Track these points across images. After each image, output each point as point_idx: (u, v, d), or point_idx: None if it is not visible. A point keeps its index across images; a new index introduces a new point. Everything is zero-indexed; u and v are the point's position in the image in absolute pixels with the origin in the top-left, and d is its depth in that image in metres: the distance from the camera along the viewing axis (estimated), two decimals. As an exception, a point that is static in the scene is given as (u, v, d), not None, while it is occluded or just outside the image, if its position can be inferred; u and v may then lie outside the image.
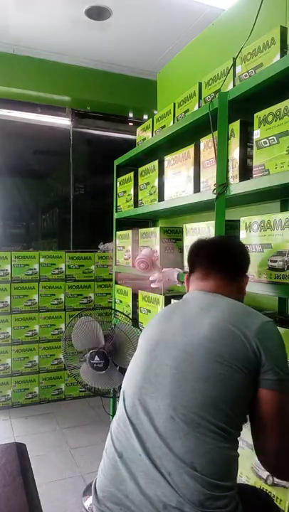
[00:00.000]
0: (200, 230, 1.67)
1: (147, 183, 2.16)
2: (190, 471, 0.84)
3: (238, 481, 1.08)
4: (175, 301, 1.84)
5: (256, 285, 1.32)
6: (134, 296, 2.27)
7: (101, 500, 0.93)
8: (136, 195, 2.32)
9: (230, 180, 1.46)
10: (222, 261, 1.14)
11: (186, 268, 1.76)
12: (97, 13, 2.45)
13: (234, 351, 0.90)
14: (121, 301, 2.47)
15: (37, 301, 3.21)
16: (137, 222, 2.49)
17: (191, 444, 0.86)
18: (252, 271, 1.37)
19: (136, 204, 2.33)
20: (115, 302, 2.55)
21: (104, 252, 3.44)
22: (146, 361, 1.01)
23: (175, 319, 1.06)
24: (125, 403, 0.99)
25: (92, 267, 3.37)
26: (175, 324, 1.04)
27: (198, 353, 0.92)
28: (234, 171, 1.45)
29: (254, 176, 1.35)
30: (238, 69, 1.54)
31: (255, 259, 1.35)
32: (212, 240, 1.24)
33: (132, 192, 2.36)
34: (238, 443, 0.92)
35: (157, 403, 0.92)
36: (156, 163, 2.07)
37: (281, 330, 1.22)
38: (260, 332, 0.91)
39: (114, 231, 2.57)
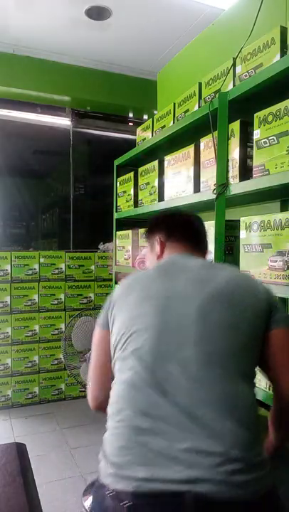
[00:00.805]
0: (200, 230, 1.66)
1: (147, 183, 2.16)
2: (231, 416, 0.83)
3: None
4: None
5: (256, 285, 1.32)
6: (134, 296, 2.27)
7: (125, 466, 0.82)
8: (136, 195, 2.32)
9: (230, 180, 1.46)
10: (199, 237, 1.21)
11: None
12: (97, 13, 2.45)
13: (254, 299, 0.96)
14: (121, 301, 2.46)
15: (37, 301, 3.21)
16: (137, 222, 2.48)
17: (227, 389, 0.86)
18: (252, 271, 1.37)
19: (136, 204, 2.33)
20: (115, 302, 2.54)
21: (104, 252, 3.44)
22: (161, 316, 0.94)
23: (181, 276, 1.02)
24: (137, 362, 0.90)
25: (92, 267, 3.37)
26: (186, 279, 1.00)
27: (223, 303, 0.94)
28: (234, 171, 1.45)
29: (254, 176, 1.36)
30: (238, 69, 1.54)
31: (255, 259, 1.35)
32: (188, 215, 1.27)
33: (132, 192, 2.36)
34: None
35: (188, 352, 0.88)
36: (156, 163, 2.07)
37: (281, 330, 1.22)
38: (265, 288, 1.01)
39: (114, 231, 2.57)
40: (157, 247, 1.21)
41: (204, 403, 0.84)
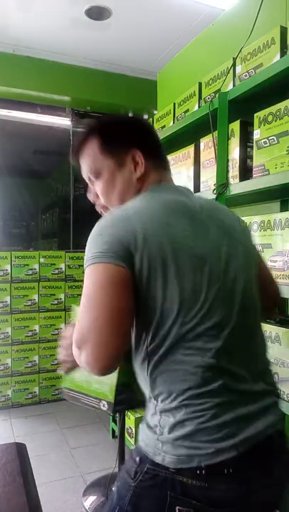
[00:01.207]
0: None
1: (147, 183, 2.16)
2: (265, 357, 0.90)
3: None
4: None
5: (256, 285, 1.32)
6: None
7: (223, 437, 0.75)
8: (136, 195, 2.32)
9: (230, 180, 1.46)
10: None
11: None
12: (97, 13, 2.45)
13: (247, 234, 1.01)
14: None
15: (37, 301, 3.21)
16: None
17: (261, 333, 0.92)
18: (252, 271, 1.37)
19: (136, 204, 2.32)
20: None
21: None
22: (213, 283, 0.80)
23: (210, 224, 0.87)
24: (215, 339, 0.79)
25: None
26: (217, 228, 0.87)
27: (245, 252, 0.91)
28: (234, 171, 1.45)
29: (254, 176, 1.36)
30: (238, 69, 1.54)
31: (255, 259, 1.35)
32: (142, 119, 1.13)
33: (132, 192, 2.36)
34: None
35: (247, 321, 0.86)
36: (156, 163, 2.07)
37: (281, 330, 1.23)
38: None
39: (114, 231, 2.56)
40: (137, 170, 0.92)
41: (258, 356, 0.88)
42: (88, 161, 0.95)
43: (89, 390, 1.05)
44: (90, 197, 1.01)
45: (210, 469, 0.73)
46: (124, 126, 0.97)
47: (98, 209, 1.01)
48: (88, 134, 0.95)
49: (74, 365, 0.90)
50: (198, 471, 0.74)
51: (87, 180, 1.00)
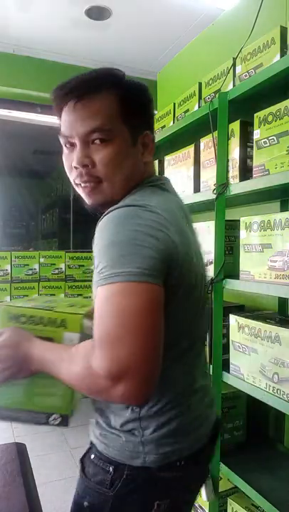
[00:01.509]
0: (200, 230, 1.66)
1: (147, 183, 2.16)
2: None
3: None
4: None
5: (256, 285, 1.32)
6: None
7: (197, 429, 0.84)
8: (136, 195, 2.32)
9: (230, 180, 1.46)
10: None
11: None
12: (97, 13, 2.45)
13: None
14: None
15: (38, 270, 3.20)
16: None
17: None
18: (252, 271, 1.37)
19: (136, 204, 2.32)
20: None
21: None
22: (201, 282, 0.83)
23: (190, 227, 0.86)
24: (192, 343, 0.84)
25: (93, 267, 3.37)
26: (192, 232, 0.87)
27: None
28: (234, 171, 1.45)
29: (254, 176, 1.36)
30: (238, 69, 1.54)
31: (255, 259, 1.35)
32: None
33: (132, 192, 2.36)
34: None
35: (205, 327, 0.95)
36: (156, 163, 2.07)
37: (281, 330, 1.23)
38: None
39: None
40: (145, 155, 0.83)
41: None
42: (101, 116, 0.76)
43: (32, 404, 0.86)
44: (82, 160, 0.77)
45: (187, 459, 0.80)
46: (146, 101, 0.83)
47: (82, 180, 0.79)
48: (104, 86, 0.77)
49: (10, 379, 0.79)
50: (178, 463, 0.79)
51: (77, 137, 0.77)
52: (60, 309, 0.87)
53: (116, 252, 0.67)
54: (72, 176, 0.81)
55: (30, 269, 3.18)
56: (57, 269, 3.27)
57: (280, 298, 1.71)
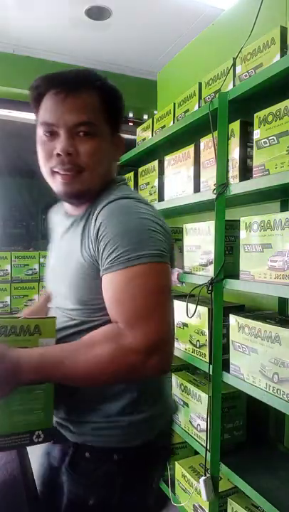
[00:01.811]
0: (200, 230, 1.67)
1: (147, 183, 2.16)
2: None
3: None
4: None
5: (256, 285, 1.32)
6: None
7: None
8: (136, 195, 2.32)
9: (230, 180, 1.46)
10: None
11: (186, 268, 1.76)
12: (97, 13, 2.45)
13: None
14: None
15: (37, 301, 3.20)
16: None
17: None
18: (252, 271, 1.37)
19: (136, 204, 2.32)
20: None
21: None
22: None
23: None
24: None
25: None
26: None
27: None
28: (234, 171, 1.45)
29: (254, 176, 1.36)
30: (238, 69, 1.54)
31: (255, 259, 1.35)
32: None
33: (132, 192, 2.36)
34: None
35: None
36: (156, 163, 2.07)
37: (281, 330, 1.23)
38: None
39: (114, 231, 2.56)
40: (117, 155, 0.93)
41: None
42: (88, 111, 0.81)
43: (12, 426, 0.79)
44: (67, 149, 0.81)
45: (170, 428, 0.98)
46: (120, 103, 0.90)
47: (64, 167, 0.82)
48: (93, 84, 0.83)
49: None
50: (168, 433, 0.96)
51: (64, 127, 0.81)
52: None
53: (134, 238, 0.74)
54: (51, 164, 0.84)
55: (30, 269, 3.18)
56: (57, 269, 3.27)
57: (280, 298, 1.71)
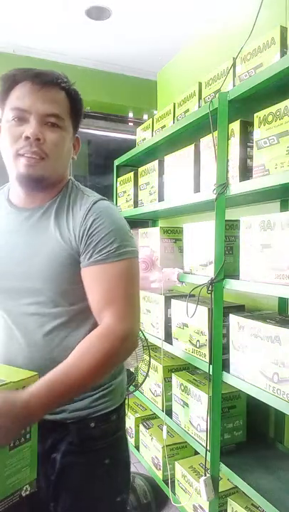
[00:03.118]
0: (200, 230, 1.67)
1: (147, 183, 2.16)
2: None
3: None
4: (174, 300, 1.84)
5: (256, 285, 1.32)
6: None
7: None
8: (136, 195, 2.32)
9: (230, 180, 1.46)
10: None
11: (187, 267, 1.76)
12: (97, 13, 2.45)
13: None
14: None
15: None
16: (137, 222, 2.48)
17: None
18: (252, 271, 1.37)
19: (136, 204, 2.33)
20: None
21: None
22: None
23: None
24: None
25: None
26: None
27: None
28: (234, 171, 1.45)
29: (254, 176, 1.36)
30: (238, 69, 1.54)
31: (255, 259, 1.35)
32: None
33: (131, 192, 2.36)
34: None
35: None
36: (156, 163, 2.07)
37: (281, 330, 1.23)
38: None
39: (114, 231, 2.56)
40: (72, 154, 1.00)
41: None
42: (58, 106, 0.90)
43: (6, 491, 0.77)
44: (37, 134, 0.86)
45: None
46: (81, 106, 0.99)
47: (31, 150, 0.86)
48: (64, 83, 0.91)
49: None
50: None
51: (35, 114, 0.87)
52: (10, 379, 0.79)
53: (123, 235, 0.89)
54: (17, 146, 0.87)
55: None
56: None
57: (280, 298, 1.71)
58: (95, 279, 0.88)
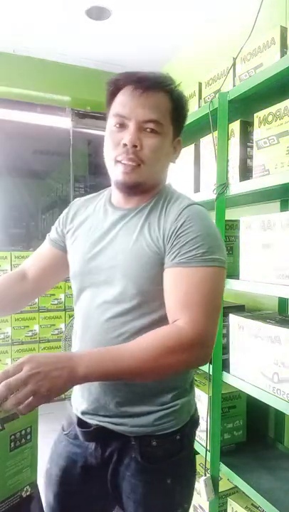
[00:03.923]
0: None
1: (147, 183, 2.16)
2: None
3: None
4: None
5: (256, 285, 1.32)
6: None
7: None
8: (136, 195, 2.32)
9: (230, 180, 1.46)
10: None
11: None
12: (97, 13, 2.45)
13: None
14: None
15: (37, 301, 3.20)
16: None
17: None
18: (252, 271, 1.37)
19: (136, 204, 2.32)
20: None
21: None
22: None
23: None
24: None
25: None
26: None
27: None
28: (234, 171, 1.45)
29: (254, 176, 1.36)
30: (238, 69, 1.54)
31: (255, 259, 1.35)
32: None
33: (132, 192, 2.36)
34: None
35: None
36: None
37: (281, 330, 1.23)
38: None
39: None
40: (173, 157, 1.01)
41: None
42: (159, 111, 0.88)
43: (6, 492, 0.77)
44: (134, 141, 0.87)
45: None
46: (186, 109, 0.97)
47: (128, 157, 0.88)
48: (167, 86, 0.90)
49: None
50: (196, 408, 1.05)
51: (134, 121, 0.87)
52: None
53: (213, 242, 0.85)
54: (116, 152, 0.89)
55: (30, 269, 3.18)
56: (57, 269, 3.27)
57: (280, 298, 1.71)
58: (174, 282, 0.85)
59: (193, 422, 1.00)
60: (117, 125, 0.89)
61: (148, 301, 0.87)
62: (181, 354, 0.78)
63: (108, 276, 0.91)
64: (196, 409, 1.02)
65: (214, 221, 1.47)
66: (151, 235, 0.89)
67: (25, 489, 0.81)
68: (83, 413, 0.96)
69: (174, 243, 0.85)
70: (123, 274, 0.88)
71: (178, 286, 0.84)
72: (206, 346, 0.81)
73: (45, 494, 1.02)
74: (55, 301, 3.28)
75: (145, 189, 0.93)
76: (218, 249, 0.85)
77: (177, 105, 0.92)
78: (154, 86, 0.87)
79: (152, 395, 0.91)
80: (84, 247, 0.97)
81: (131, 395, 0.90)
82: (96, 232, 0.97)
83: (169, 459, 0.92)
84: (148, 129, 0.87)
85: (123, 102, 0.88)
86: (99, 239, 0.95)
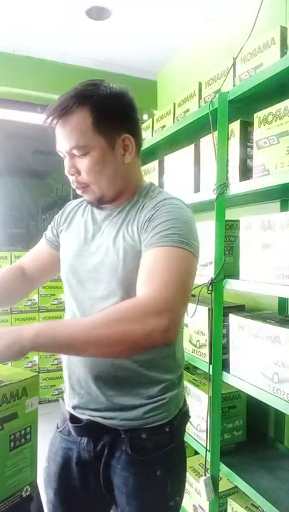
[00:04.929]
0: (200, 230, 1.66)
1: (147, 183, 2.16)
2: None
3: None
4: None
5: (256, 285, 1.32)
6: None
7: None
8: (136, 195, 2.32)
9: (230, 180, 1.46)
10: None
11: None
12: (97, 13, 2.45)
13: None
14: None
15: (37, 301, 3.20)
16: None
17: None
18: (252, 271, 1.37)
19: (136, 204, 2.32)
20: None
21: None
22: None
23: None
24: None
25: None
26: None
27: None
28: (234, 171, 1.45)
29: (254, 176, 1.36)
30: (238, 69, 1.54)
31: (255, 259, 1.35)
32: None
33: (132, 192, 2.36)
34: None
35: None
36: (156, 163, 2.07)
37: (281, 330, 1.23)
38: None
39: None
40: (126, 155, 0.93)
41: None
42: (75, 135, 0.87)
43: (6, 491, 0.77)
44: (69, 171, 0.92)
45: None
46: (119, 105, 0.92)
47: (74, 185, 0.95)
48: (78, 104, 0.86)
49: None
50: (185, 401, 1.08)
51: (64, 152, 0.91)
52: (10, 380, 0.77)
53: (185, 227, 0.85)
54: (70, 180, 0.96)
55: (30, 269, 3.18)
56: (57, 269, 3.27)
57: (280, 298, 1.71)
58: (142, 263, 0.84)
59: (182, 414, 1.01)
60: (63, 156, 0.94)
61: (133, 295, 0.84)
62: (135, 321, 0.72)
63: (94, 273, 0.95)
64: (185, 402, 1.04)
65: (214, 221, 1.48)
66: (128, 230, 0.92)
67: (25, 489, 0.82)
68: (74, 407, 0.98)
69: (147, 229, 0.87)
70: (106, 271, 0.92)
71: (144, 265, 0.83)
72: (164, 317, 0.73)
73: (46, 492, 1.03)
74: (55, 301, 3.28)
75: (113, 196, 0.96)
76: (191, 235, 0.85)
77: (103, 111, 0.88)
78: (68, 110, 0.86)
79: (141, 387, 0.93)
80: (72, 245, 1.02)
81: (120, 385, 0.93)
82: (84, 231, 1.01)
83: (158, 451, 0.94)
84: (76, 155, 0.90)
85: (56, 136, 0.91)
86: (86, 238, 1.00)
